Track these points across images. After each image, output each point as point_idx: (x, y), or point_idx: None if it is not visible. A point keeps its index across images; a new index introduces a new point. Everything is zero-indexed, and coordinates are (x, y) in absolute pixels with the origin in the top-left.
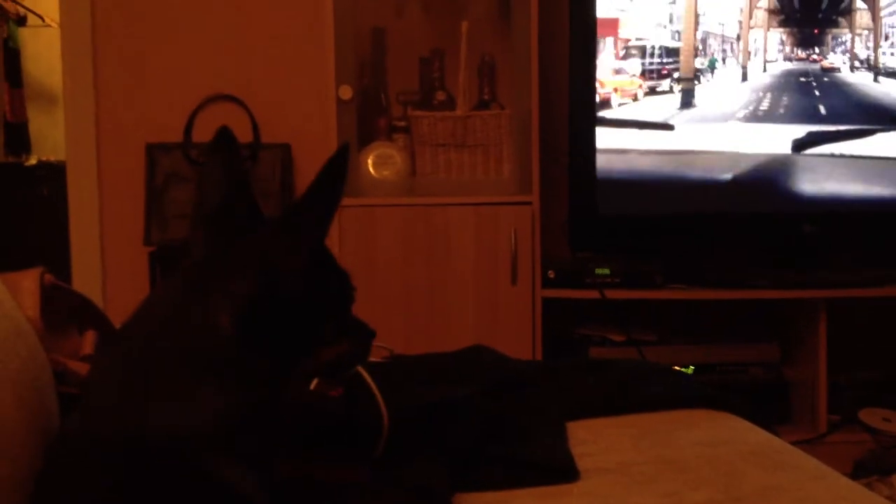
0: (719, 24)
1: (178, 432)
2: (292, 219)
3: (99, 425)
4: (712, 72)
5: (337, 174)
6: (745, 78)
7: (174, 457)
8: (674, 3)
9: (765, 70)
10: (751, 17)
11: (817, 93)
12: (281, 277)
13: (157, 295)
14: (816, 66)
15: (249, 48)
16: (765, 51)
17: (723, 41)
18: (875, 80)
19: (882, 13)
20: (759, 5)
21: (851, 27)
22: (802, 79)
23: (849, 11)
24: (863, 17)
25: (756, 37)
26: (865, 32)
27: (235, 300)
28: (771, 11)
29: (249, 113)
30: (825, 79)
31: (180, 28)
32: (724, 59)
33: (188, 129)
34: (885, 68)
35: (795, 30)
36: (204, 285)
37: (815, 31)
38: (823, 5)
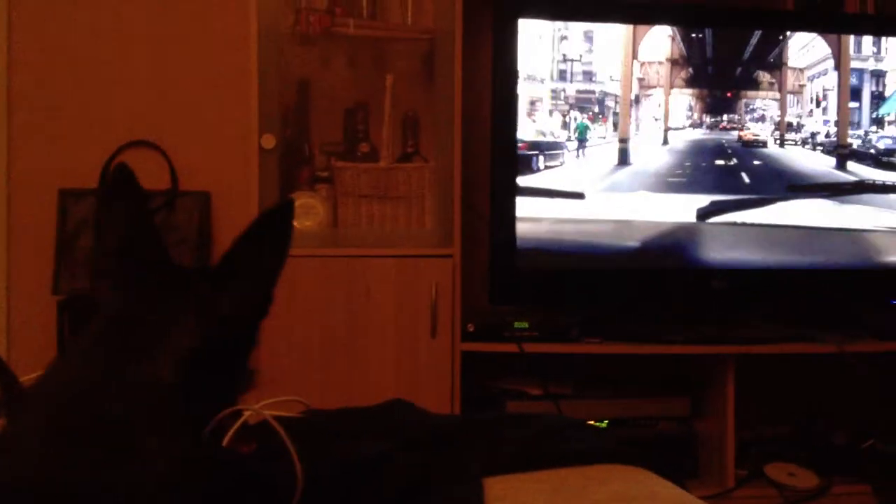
0: (611, 78)
1: (118, 487)
2: (231, 267)
3: (18, 478)
4: (579, 141)
5: (274, 225)
6: (623, 160)
7: None
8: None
9: (665, 142)
10: (633, 71)
11: (740, 175)
12: (227, 329)
13: (76, 352)
14: (732, 136)
15: (170, 94)
16: (666, 117)
17: (615, 101)
18: (841, 163)
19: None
20: (657, 58)
21: (781, 88)
22: (719, 161)
23: (777, 67)
24: (791, 76)
25: (659, 99)
26: (793, 97)
27: (177, 355)
28: (675, 63)
29: (168, 159)
30: (753, 160)
31: (98, 72)
32: (614, 125)
33: (103, 175)
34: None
35: (706, 91)
36: (137, 342)
37: (730, 94)
38: (745, 55)
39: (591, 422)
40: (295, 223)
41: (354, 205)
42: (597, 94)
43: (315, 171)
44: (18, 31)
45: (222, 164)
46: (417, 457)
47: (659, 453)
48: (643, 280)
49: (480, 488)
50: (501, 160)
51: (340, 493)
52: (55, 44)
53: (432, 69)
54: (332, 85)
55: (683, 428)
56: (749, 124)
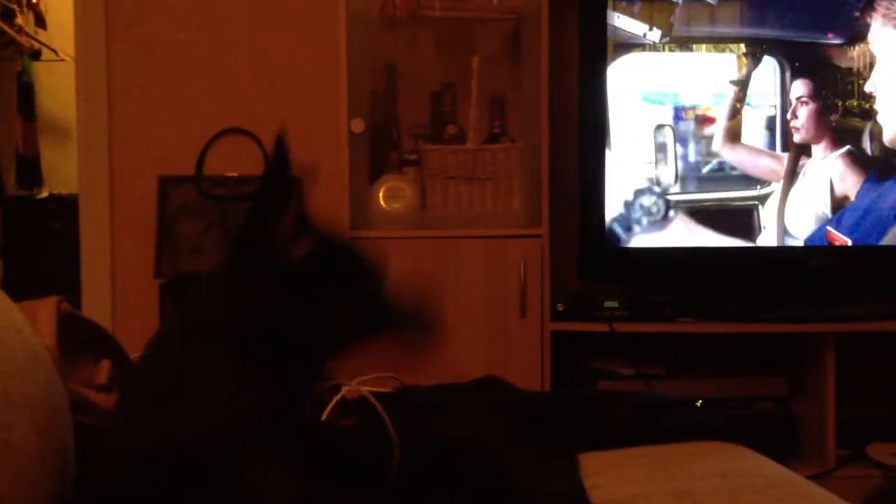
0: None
1: (189, 436)
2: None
3: (118, 441)
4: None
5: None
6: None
7: (193, 462)
8: None
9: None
10: None
11: None
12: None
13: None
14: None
15: (262, 82)
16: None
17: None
18: None
19: None
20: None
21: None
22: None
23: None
24: None
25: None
26: None
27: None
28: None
29: (261, 146)
30: None
31: (194, 62)
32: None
33: (200, 163)
34: None
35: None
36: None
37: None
38: None
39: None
40: (384, 205)
41: (442, 186)
42: None
43: (403, 154)
44: (116, 24)
45: (313, 149)
46: (512, 432)
47: (758, 432)
48: (737, 255)
49: (576, 463)
50: (589, 138)
51: (436, 466)
52: (151, 35)
53: (519, 49)
54: (419, 68)
55: (781, 407)
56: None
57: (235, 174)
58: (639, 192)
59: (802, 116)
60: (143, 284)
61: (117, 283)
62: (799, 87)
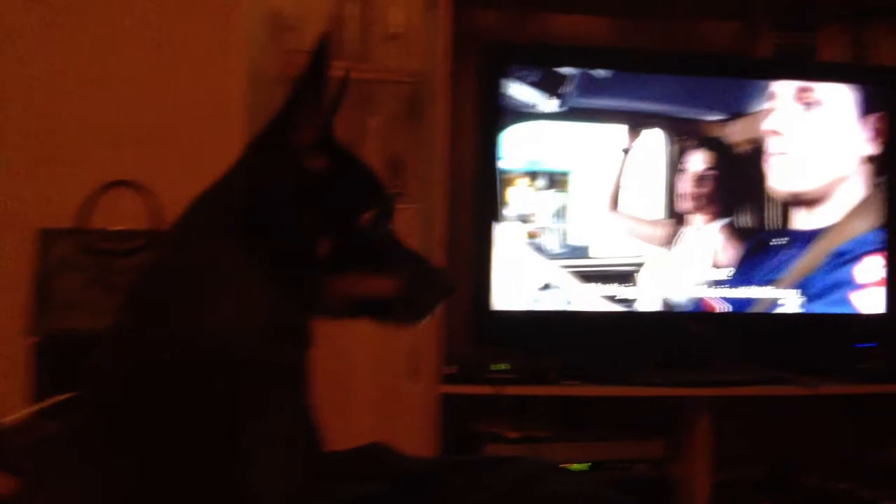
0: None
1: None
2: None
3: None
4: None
5: (315, 69)
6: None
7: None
8: None
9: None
10: None
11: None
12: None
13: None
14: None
15: (154, 134)
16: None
17: None
18: None
19: None
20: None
21: None
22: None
23: None
24: None
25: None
26: None
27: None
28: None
29: (150, 199)
30: None
31: (82, 111)
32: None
33: (84, 216)
34: None
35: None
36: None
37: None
38: None
39: (573, 465)
40: None
41: None
42: None
43: None
44: None
45: None
46: (400, 501)
47: (633, 496)
48: (620, 323)
49: None
50: (482, 203)
51: None
52: (36, 83)
53: (418, 112)
54: None
55: (659, 470)
56: None
57: (122, 228)
58: (528, 257)
59: (686, 187)
60: (15, 343)
61: None
62: (686, 160)
